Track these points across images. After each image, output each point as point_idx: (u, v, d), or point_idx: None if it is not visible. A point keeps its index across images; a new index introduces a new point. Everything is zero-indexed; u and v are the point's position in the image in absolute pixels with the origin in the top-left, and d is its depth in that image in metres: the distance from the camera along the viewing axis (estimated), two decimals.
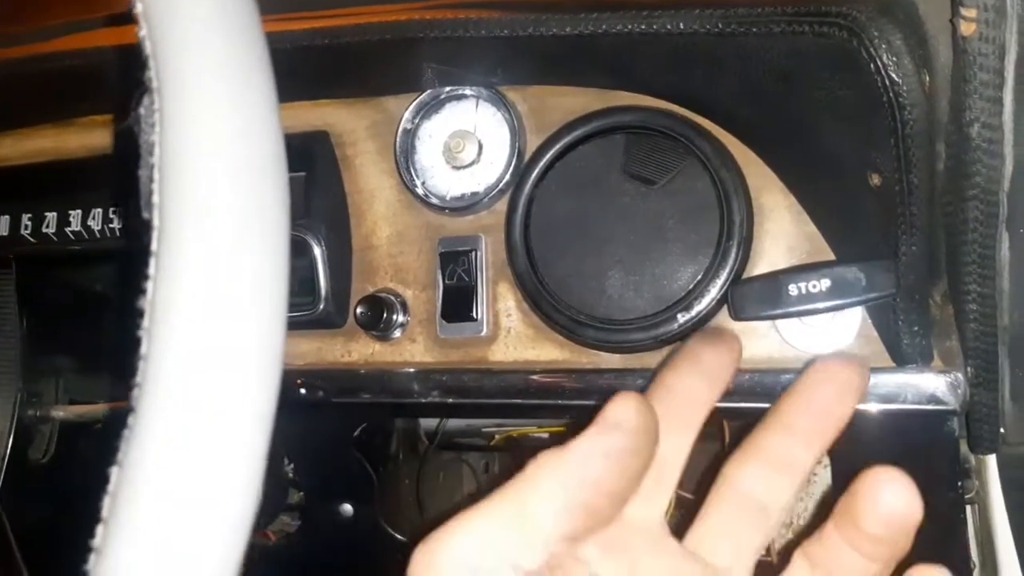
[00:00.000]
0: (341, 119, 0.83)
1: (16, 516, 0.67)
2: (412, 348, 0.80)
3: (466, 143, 0.78)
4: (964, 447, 0.70)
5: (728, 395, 0.70)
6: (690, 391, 0.45)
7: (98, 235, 0.85)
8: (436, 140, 0.79)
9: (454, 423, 1.06)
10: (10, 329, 0.93)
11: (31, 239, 0.87)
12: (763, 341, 0.71)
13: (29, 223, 0.87)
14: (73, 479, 0.92)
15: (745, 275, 0.70)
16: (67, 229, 0.85)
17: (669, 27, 0.59)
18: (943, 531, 0.71)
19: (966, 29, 0.47)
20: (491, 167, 0.78)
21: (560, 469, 0.38)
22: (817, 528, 0.42)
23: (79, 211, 0.85)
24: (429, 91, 0.79)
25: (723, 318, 0.72)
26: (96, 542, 0.28)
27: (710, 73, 0.66)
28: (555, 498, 0.37)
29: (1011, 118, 0.51)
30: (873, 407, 0.68)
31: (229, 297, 0.30)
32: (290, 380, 0.79)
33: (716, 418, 0.91)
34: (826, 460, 0.92)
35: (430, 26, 0.68)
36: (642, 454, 0.39)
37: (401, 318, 0.79)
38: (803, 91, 0.61)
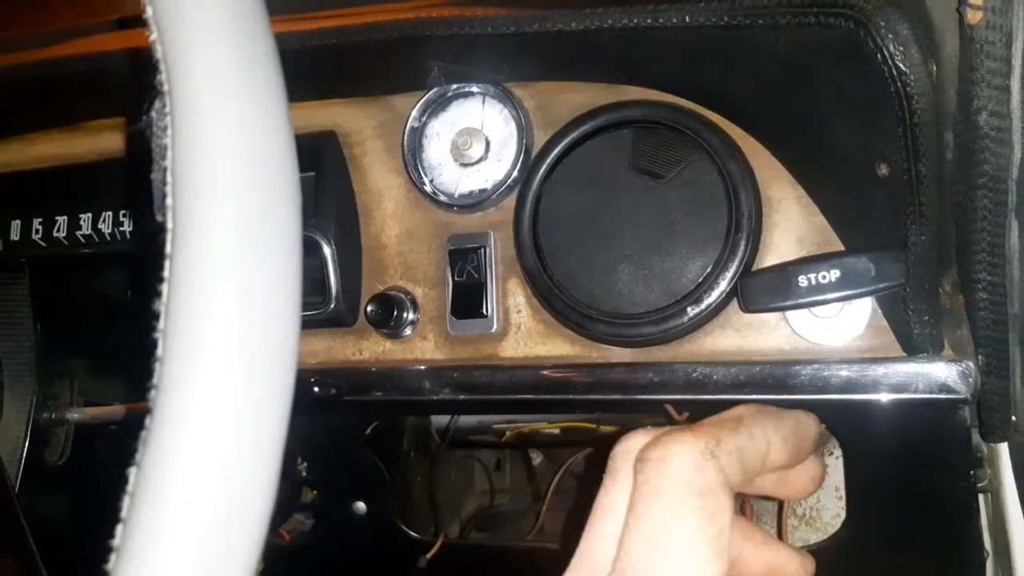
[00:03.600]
0: (349, 118, 0.83)
1: (34, 517, 0.67)
2: (423, 345, 0.80)
3: (473, 140, 0.78)
4: (976, 436, 0.70)
5: (740, 388, 0.70)
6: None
7: (108, 238, 0.85)
8: (444, 138, 0.79)
9: (465, 420, 1.06)
10: (24, 332, 0.94)
11: (42, 243, 0.87)
12: (773, 333, 0.71)
13: (40, 227, 0.87)
14: (88, 480, 0.93)
15: (754, 267, 0.70)
16: (78, 232, 0.86)
17: (675, 20, 0.60)
18: (956, 520, 0.71)
19: (973, 17, 0.47)
20: (499, 164, 0.78)
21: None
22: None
23: (89, 215, 0.86)
24: (436, 89, 0.79)
25: (733, 310, 0.72)
26: (116, 542, 0.28)
27: (717, 66, 0.66)
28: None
29: (1019, 106, 0.50)
30: (884, 397, 0.68)
31: (244, 297, 0.30)
32: (303, 379, 0.79)
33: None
34: (838, 451, 0.92)
35: (436, 24, 0.68)
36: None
37: (411, 316, 0.80)
38: (810, 83, 0.61)
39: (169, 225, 0.31)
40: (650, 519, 0.32)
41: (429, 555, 0.91)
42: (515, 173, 0.77)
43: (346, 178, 0.82)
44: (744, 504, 0.98)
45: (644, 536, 0.32)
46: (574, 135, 0.74)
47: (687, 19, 0.59)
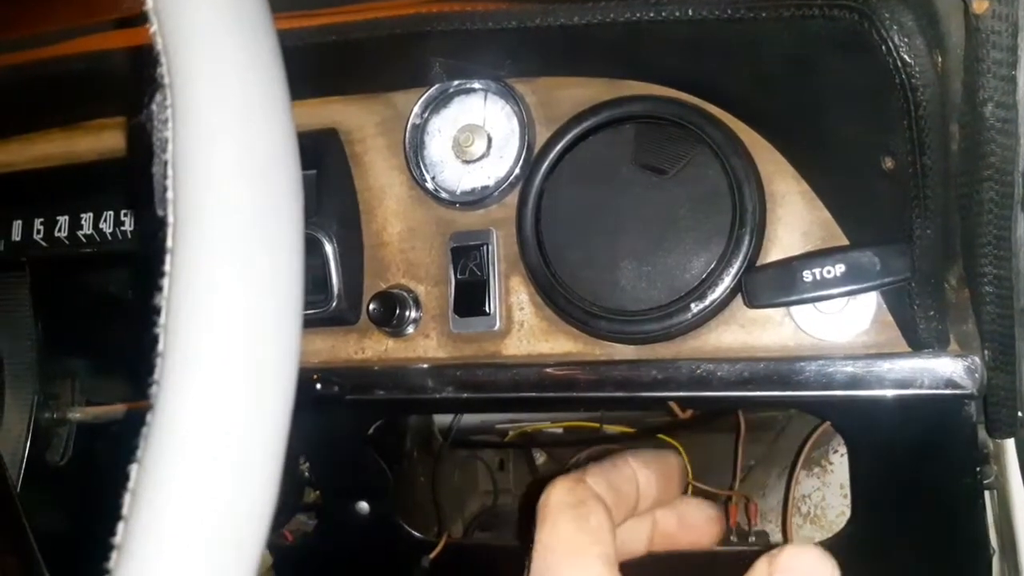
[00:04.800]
0: (350, 116, 0.83)
1: (36, 518, 0.67)
2: (425, 344, 0.80)
3: (475, 137, 0.77)
4: (982, 432, 0.69)
5: (744, 385, 0.70)
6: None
7: (110, 237, 0.85)
8: (445, 135, 0.79)
9: (468, 419, 1.06)
10: (26, 332, 0.94)
11: (43, 243, 0.87)
12: (778, 329, 0.71)
13: (41, 227, 0.87)
14: (91, 480, 0.93)
15: (759, 262, 0.70)
16: (79, 232, 0.86)
17: (677, 14, 0.59)
18: (962, 517, 0.70)
19: (978, 7, 0.47)
20: (501, 160, 0.77)
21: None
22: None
23: (90, 214, 0.86)
24: (437, 86, 0.79)
25: (737, 306, 0.71)
26: (117, 540, 0.28)
27: (719, 60, 0.66)
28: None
29: None
30: (889, 392, 0.67)
31: (246, 291, 0.30)
32: (305, 377, 0.79)
33: (732, 408, 0.91)
34: (843, 448, 0.92)
35: (438, 19, 0.68)
36: None
37: (414, 314, 0.79)
38: (814, 75, 0.61)
39: (170, 219, 0.30)
40: (542, 538, 0.42)
41: (432, 555, 0.91)
42: (517, 170, 0.76)
43: (348, 176, 0.82)
44: (748, 503, 0.97)
45: (540, 550, 0.42)
46: (576, 131, 0.74)
47: (690, 12, 0.59)
